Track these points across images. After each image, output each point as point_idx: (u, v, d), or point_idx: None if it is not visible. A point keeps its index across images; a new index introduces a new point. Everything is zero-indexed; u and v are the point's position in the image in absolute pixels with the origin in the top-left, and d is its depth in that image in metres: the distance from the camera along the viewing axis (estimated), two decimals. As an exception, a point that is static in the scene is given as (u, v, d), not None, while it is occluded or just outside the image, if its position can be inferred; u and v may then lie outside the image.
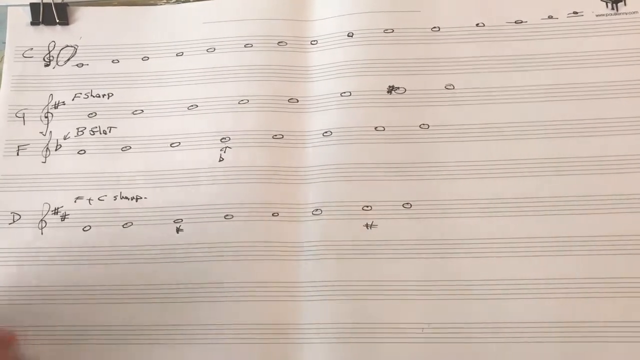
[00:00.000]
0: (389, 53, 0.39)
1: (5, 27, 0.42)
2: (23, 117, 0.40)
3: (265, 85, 0.39)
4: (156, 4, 0.43)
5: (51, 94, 0.41)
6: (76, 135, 0.40)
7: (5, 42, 0.42)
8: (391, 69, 0.39)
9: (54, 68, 0.41)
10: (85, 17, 0.42)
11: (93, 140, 0.39)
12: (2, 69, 0.42)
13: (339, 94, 0.39)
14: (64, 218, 0.38)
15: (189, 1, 0.43)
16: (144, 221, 0.37)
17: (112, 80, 0.41)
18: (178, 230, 0.37)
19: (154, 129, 0.39)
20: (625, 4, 0.39)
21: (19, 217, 0.38)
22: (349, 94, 0.38)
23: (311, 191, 0.37)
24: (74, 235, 0.37)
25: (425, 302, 0.34)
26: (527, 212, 0.35)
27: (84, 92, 0.41)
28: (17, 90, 0.41)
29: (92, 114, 0.40)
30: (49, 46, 0.42)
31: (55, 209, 0.38)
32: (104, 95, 0.41)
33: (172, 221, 0.37)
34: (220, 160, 0.38)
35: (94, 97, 0.41)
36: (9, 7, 0.43)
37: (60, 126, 0.40)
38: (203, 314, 0.35)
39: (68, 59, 0.42)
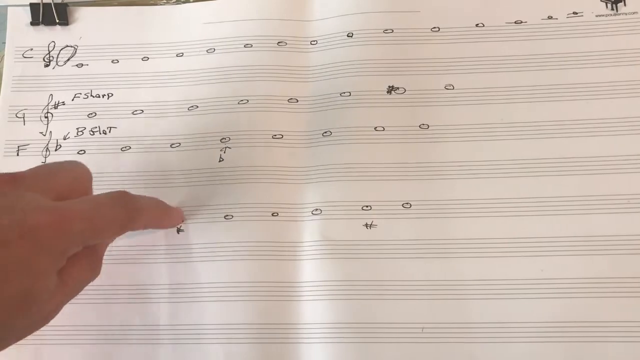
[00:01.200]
0: (388, 53, 0.39)
1: (5, 28, 0.42)
2: (23, 117, 0.40)
3: (265, 86, 0.39)
4: (156, 4, 0.43)
5: (51, 94, 0.41)
6: (76, 135, 0.40)
7: (5, 43, 0.42)
8: (391, 69, 0.39)
9: (53, 68, 0.41)
10: (85, 17, 0.42)
11: (93, 140, 0.39)
12: (2, 69, 0.42)
13: (339, 94, 0.39)
14: (64, 218, 0.38)
15: (189, 1, 0.43)
16: (143, 221, 0.37)
17: (112, 80, 0.41)
18: (178, 230, 0.37)
19: (154, 129, 0.39)
20: (625, 5, 0.39)
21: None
22: (348, 94, 0.38)
23: (311, 191, 0.37)
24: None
25: (425, 302, 0.34)
26: (527, 212, 0.35)
27: (83, 92, 0.41)
28: (17, 91, 0.41)
29: (92, 114, 0.40)
30: (48, 46, 0.42)
31: (55, 209, 0.38)
32: (104, 95, 0.41)
33: (172, 221, 0.37)
34: (220, 161, 0.38)
35: (93, 97, 0.41)
36: (8, 7, 0.43)
37: (60, 126, 0.40)
38: (203, 313, 0.35)
39: (68, 59, 0.42)
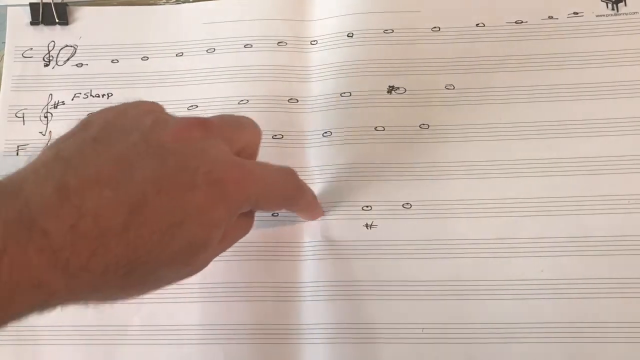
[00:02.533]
0: (389, 53, 0.39)
1: (5, 27, 0.42)
2: (23, 117, 0.40)
3: (265, 86, 0.39)
4: (156, 4, 0.43)
5: (51, 94, 0.41)
6: (76, 135, 0.40)
7: (5, 42, 0.42)
8: (391, 69, 0.39)
9: (53, 68, 0.41)
10: (85, 17, 0.42)
11: (93, 140, 0.39)
12: (1, 68, 0.42)
13: (339, 94, 0.39)
14: (64, 218, 0.38)
15: (189, 1, 0.43)
16: (143, 221, 0.37)
17: (112, 80, 0.41)
18: (178, 230, 0.37)
19: (153, 129, 0.39)
20: (625, 5, 0.39)
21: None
22: (349, 94, 0.38)
23: (311, 191, 0.37)
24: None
25: (425, 302, 0.34)
26: (528, 213, 0.35)
27: (83, 92, 0.41)
28: (17, 90, 0.41)
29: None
30: (48, 46, 0.42)
31: (54, 209, 0.38)
32: (104, 95, 0.41)
33: (172, 221, 0.37)
34: (220, 161, 0.38)
35: (93, 97, 0.41)
36: (8, 7, 0.43)
37: (60, 126, 0.40)
38: (203, 314, 0.35)
39: (67, 59, 0.42)
